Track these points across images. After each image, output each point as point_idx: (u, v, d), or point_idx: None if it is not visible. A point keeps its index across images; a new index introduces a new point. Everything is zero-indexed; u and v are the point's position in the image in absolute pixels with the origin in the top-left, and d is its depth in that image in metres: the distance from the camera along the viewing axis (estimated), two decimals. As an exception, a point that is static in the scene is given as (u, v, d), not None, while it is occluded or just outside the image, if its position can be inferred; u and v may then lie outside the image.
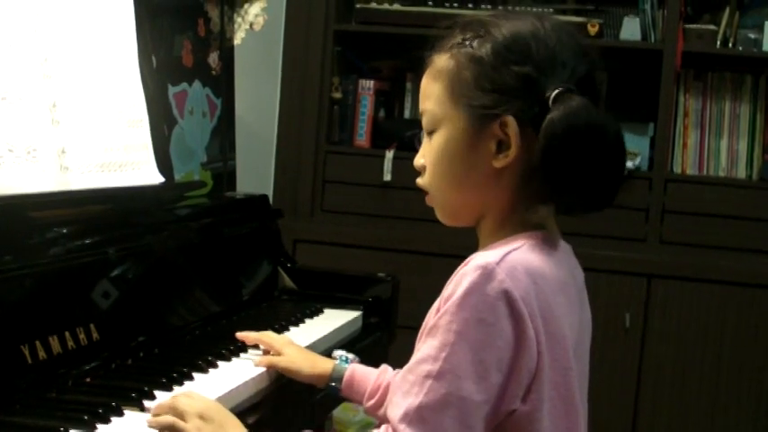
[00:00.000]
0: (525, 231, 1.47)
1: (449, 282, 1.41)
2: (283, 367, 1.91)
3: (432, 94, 1.50)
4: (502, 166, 1.44)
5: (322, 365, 1.89)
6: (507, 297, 1.36)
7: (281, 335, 2.07)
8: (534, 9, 3.86)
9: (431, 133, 1.51)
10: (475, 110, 1.44)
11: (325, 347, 2.25)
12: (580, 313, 1.52)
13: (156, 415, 1.59)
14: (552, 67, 1.43)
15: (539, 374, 1.38)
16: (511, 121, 1.42)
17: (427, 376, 1.37)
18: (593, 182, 1.42)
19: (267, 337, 2.02)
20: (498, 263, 1.37)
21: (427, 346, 1.39)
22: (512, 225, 1.48)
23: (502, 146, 1.44)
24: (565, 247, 1.53)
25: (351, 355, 1.92)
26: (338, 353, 1.94)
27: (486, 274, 1.36)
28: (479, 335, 1.35)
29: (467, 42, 1.47)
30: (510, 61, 1.43)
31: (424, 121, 1.52)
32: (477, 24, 1.49)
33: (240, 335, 2.05)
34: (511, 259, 1.39)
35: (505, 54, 1.43)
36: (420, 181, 1.55)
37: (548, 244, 1.47)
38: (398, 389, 1.41)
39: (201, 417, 1.58)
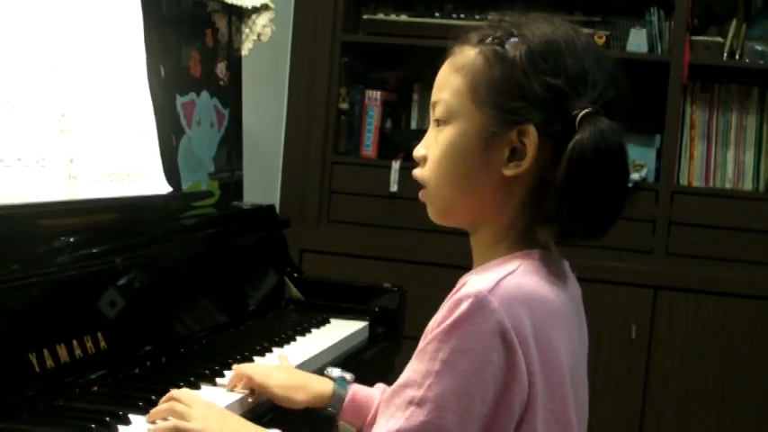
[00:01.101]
0: (522, 249, 1.42)
1: (442, 305, 1.36)
2: (276, 395, 1.81)
3: (450, 86, 1.43)
4: (511, 175, 1.38)
5: (316, 388, 1.80)
6: (498, 328, 1.30)
7: (263, 364, 1.93)
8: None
9: (441, 124, 1.44)
10: (496, 112, 1.38)
11: (331, 357, 2.26)
12: (579, 333, 1.47)
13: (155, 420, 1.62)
14: (583, 84, 1.38)
15: (531, 405, 1.33)
16: (532, 130, 1.36)
17: (410, 402, 1.33)
18: (610, 208, 1.37)
19: (247, 369, 1.87)
20: (491, 290, 1.32)
21: (413, 371, 1.35)
22: (509, 241, 1.43)
23: (515, 154, 1.38)
24: (564, 267, 1.48)
25: (348, 375, 1.84)
26: (335, 373, 1.85)
27: (478, 302, 1.31)
28: (466, 365, 1.31)
29: (497, 40, 1.41)
30: (543, 71, 1.37)
31: (438, 111, 1.44)
32: (510, 23, 1.43)
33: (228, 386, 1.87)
34: (505, 285, 1.33)
35: (539, 62, 1.37)
36: (417, 172, 1.50)
37: (545, 264, 1.41)
38: (385, 410, 1.38)
39: (205, 409, 1.61)
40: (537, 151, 1.37)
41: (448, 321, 1.32)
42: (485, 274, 1.37)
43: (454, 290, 1.36)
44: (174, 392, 1.67)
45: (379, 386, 1.79)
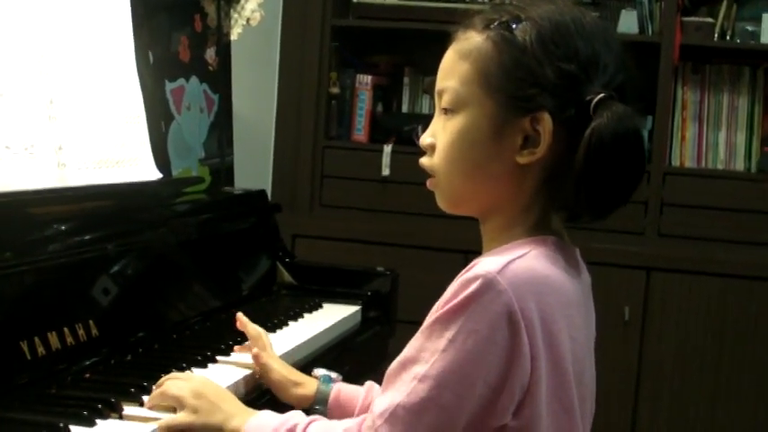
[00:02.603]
0: (534, 236, 1.40)
1: (450, 285, 1.35)
2: (274, 380, 1.81)
3: (457, 74, 1.41)
4: (525, 162, 1.37)
5: (304, 387, 1.79)
6: (505, 310, 1.30)
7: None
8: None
9: (448, 113, 1.42)
10: (508, 99, 1.36)
11: (324, 342, 2.26)
12: (587, 321, 1.46)
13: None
14: (595, 68, 1.36)
15: (533, 390, 1.33)
16: (546, 117, 1.34)
17: (414, 378, 1.33)
18: (626, 192, 1.36)
19: (266, 337, 1.90)
20: (500, 272, 1.31)
21: (420, 348, 1.35)
22: (521, 228, 1.41)
23: (528, 142, 1.37)
24: (575, 254, 1.46)
25: (333, 374, 1.81)
26: (320, 372, 1.82)
27: (486, 283, 1.30)
28: (471, 346, 1.31)
29: (504, 25, 1.38)
30: (555, 56, 1.35)
31: (445, 100, 1.42)
32: (514, 6, 1.40)
33: (240, 322, 1.91)
34: (514, 268, 1.33)
35: (551, 47, 1.35)
36: (425, 161, 1.46)
37: (557, 251, 1.40)
38: (389, 384, 1.38)
39: (195, 396, 1.58)
40: (551, 138, 1.35)
41: (455, 301, 1.32)
42: (495, 256, 1.37)
43: (464, 270, 1.36)
44: (168, 377, 1.66)
45: (368, 384, 1.77)
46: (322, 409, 1.75)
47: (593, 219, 1.40)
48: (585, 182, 1.33)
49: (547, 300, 1.34)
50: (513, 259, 1.34)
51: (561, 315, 1.36)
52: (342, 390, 1.77)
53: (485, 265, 1.33)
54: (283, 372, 1.82)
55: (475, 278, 1.32)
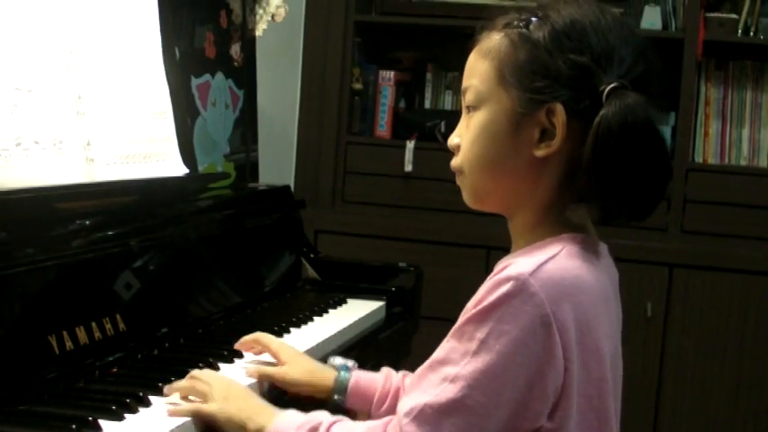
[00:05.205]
0: (563, 233, 1.42)
1: (482, 285, 1.37)
2: (280, 380, 1.79)
3: (478, 72, 1.45)
4: (543, 155, 1.39)
5: (321, 377, 1.79)
6: (538, 312, 1.31)
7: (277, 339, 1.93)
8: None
9: (471, 110, 1.46)
10: (523, 93, 1.39)
11: (349, 337, 2.26)
12: (616, 316, 1.48)
13: (174, 403, 1.61)
14: (609, 60, 1.37)
15: (566, 392, 1.34)
16: (559, 109, 1.37)
17: (445, 379, 1.34)
18: (642, 185, 1.36)
19: (264, 337, 1.89)
20: (532, 274, 1.33)
21: (451, 349, 1.36)
22: (548, 224, 1.43)
23: (545, 135, 1.39)
24: (603, 249, 1.48)
25: (350, 362, 1.82)
26: (337, 361, 1.83)
27: (518, 285, 1.32)
28: (501, 347, 1.32)
29: (522, 23, 1.42)
30: (567, 49, 1.37)
31: (468, 98, 1.46)
32: (535, 6, 1.44)
33: (237, 344, 1.92)
34: (547, 270, 1.34)
35: (563, 40, 1.38)
36: (454, 162, 1.49)
37: (587, 248, 1.42)
38: (417, 385, 1.39)
39: (224, 390, 1.60)
40: (567, 130, 1.37)
41: (487, 302, 1.33)
42: (527, 257, 1.38)
43: (493, 272, 1.37)
44: (194, 372, 1.68)
45: (384, 370, 1.79)
46: (341, 398, 1.76)
47: (626, 218, 1.40)
48: (596, 171, 1.34)
49: (581, 299, 1.36)
50: (546, 260, 1.35)
51: (594, 314, 1.38)
52: (360, 378, 1.77)
53: (517, 266, 1.34)
54: (306, 378, 1.80)
55: (507, 279, 1.33)
